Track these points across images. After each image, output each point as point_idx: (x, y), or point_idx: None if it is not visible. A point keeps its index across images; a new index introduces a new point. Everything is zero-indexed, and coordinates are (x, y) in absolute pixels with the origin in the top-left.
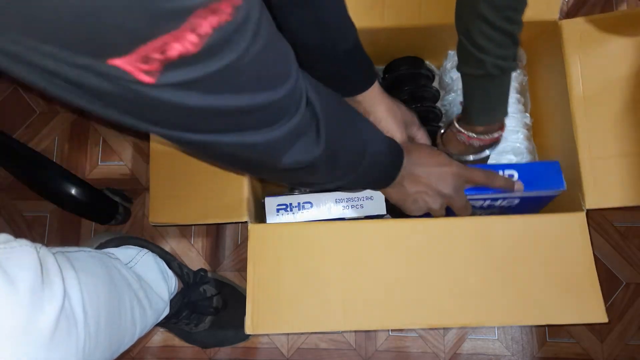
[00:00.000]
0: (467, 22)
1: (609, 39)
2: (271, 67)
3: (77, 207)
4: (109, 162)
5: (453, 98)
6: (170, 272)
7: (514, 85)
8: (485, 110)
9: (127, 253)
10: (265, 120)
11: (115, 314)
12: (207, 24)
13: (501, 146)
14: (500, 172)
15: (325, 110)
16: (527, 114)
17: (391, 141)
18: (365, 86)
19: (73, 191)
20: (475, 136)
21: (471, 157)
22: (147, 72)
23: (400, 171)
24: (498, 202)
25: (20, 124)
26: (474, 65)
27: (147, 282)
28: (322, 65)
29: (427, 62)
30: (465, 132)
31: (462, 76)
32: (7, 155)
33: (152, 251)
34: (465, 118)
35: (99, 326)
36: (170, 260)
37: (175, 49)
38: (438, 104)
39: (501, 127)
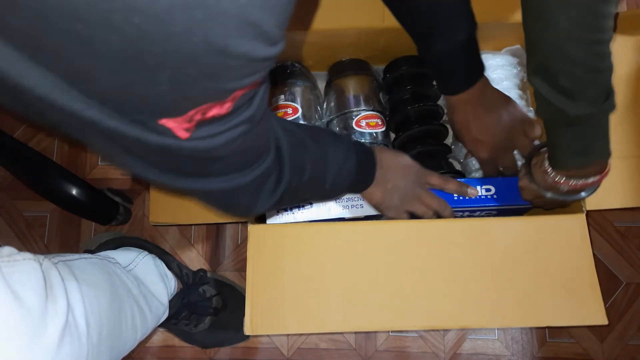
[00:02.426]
0: (548, 63)
1: None
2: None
3: (77, 207)
4: (109, 162)
5: None
6: (169, 274)
7: (515, 82)
8: (575, 155)
9: (127, 256)
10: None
11: (116, 323)
12: (240, 93)
13: None
14: (479, 187)
15: (290, 152)
16: (531, 108)
17: (360, 154)
18: (459, 88)
19: (74, 191)
20: (562, 180)
21: (560, 197)
22: (185, 130)
23: (375, 175)
24: (477, 214)
25: (21, 123)
26: (558, 112)
27: (146, 286)
28: (423, 57)
29: None
30: (552, 177)
31: (544, 121)
32: (7, 155)
33: (152, 252)
34: (552, 159)
35: (101, 337)
36: (170, 261)
37: (212, 112)
38: (440, 102)
39: (600, 170)
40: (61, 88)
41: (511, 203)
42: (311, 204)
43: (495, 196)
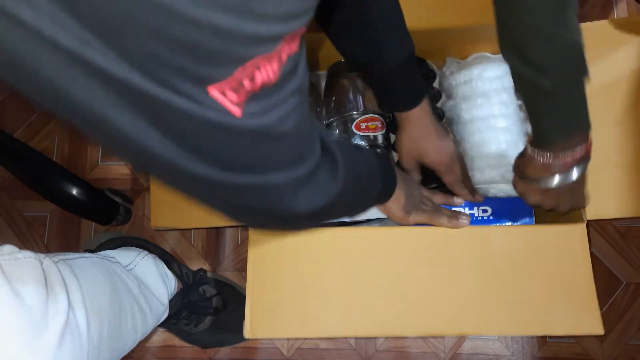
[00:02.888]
0: (517, 39)
1: (608, 45)
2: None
3: (78, 207)
4: (109, 162)
5: (452, 105)
6: (169, 274)
7: (516, 92)
8: (557, 127)
9: (127, 255)
10: (292, 157)
11: (117, 322)
12: (285, 52)
13: (505, 161)
14: (475, 209)
15: (342, 151)
16: (528, 122)
17: (375, 155)
18: (402, 108)
19: (74, 192)
20: (551, 158)
21: (556, 180)
22: (236, 105)
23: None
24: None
25: (20, 123)
26: (533, 86)
27: (146, 285)
28: (366, 80)
29: (428, 62)
30: (539, 157)
31: (522, 97)
32: (7, 155)
33: (152, 252)
34: (536, 138)
35: (101, 336)
36: (170, 260)
37: (260, 76)
38: (439, 105)
39: (583, 139)
40: (92, 44)
41: (508, 223)
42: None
43: (491, 217)
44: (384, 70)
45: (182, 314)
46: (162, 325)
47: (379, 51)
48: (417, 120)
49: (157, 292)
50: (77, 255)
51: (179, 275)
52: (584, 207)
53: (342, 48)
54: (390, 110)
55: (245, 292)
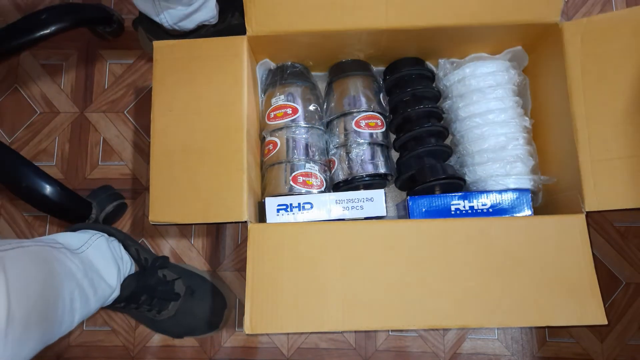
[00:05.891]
0: None
1: (609, 39)
2: None
3: (48, 206)
4: (109, 162)
5: (450, 104)
6: (126, 257)
7: (511, 88)
8: None
9: (79, 238)
10: None
11: (50, 308)
12: None
13: (504, 154)
14: (475, 202)
15: None
16: (527, 117)
17: None
18: None
19: (47, 191)
20: None
21: None
22: None
23: None
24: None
25: (21, 124)
26: None
27: (96, 268)
28: None
29: (427, 63)
30: None
31: None
32: None
33: (112, 235)
34: None
35: (28, 322)
36: (129, 245)
37: None
38: (439, 104)
39: None
40: None
41: (507, 215)
42: (311, 205)
43: (490, 210)
44: None
45: (141, 297)
46: (122, 310)
47: None
48: None
49: (106, 274)
50: (13, 244)
51: (136, 259)
52: None
53: None
54: None
55: (214, 284)
